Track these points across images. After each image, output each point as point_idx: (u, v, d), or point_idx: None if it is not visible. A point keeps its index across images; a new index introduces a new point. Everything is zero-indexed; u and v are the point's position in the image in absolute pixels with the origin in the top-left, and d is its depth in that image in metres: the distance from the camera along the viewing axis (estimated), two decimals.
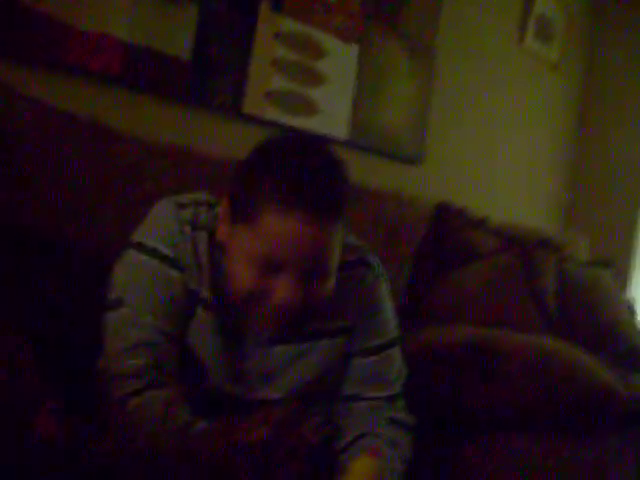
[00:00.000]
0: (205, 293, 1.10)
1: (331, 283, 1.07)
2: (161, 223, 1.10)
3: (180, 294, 1.08)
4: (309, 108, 2.20)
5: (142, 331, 1.04)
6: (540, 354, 1.53)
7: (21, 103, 1.41)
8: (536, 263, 2.22)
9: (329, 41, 2.23)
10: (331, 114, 2.27)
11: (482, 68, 2.89)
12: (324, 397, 1.22)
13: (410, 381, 1.33)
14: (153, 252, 1.08)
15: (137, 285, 1.08)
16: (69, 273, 1.35)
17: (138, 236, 1.11)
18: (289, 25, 2.11)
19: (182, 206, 1.11)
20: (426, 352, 1.59)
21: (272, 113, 2.09)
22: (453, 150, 2.81)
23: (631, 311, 2.48)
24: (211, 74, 1.94)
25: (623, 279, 3.05)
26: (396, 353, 1.25)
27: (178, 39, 1.85)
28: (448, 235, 2.23)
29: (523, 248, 2.21)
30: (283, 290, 1.01)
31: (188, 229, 1.09)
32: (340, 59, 2.28)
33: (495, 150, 3.04)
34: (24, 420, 0.63)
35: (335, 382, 1.22)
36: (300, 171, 1.02)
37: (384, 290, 1.25)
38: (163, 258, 1.08)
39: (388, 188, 2.20)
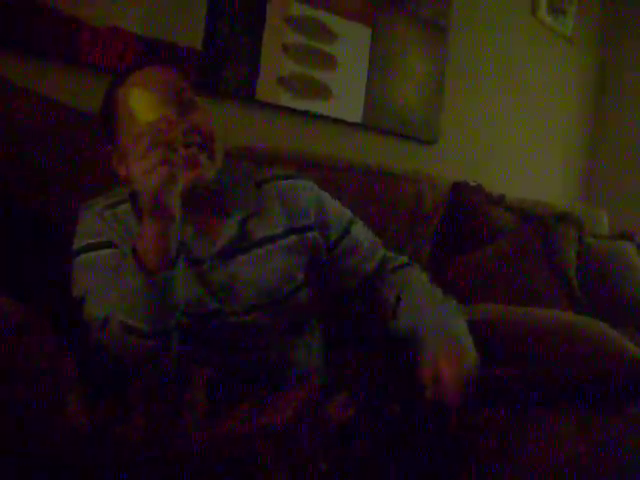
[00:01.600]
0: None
1: (207, 117, 1.19)
2: (85, 224, 1.19)
3: None
4: (322, 92, 2.20)
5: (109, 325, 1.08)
6: (565, 329, 1.52)
7: (33, 99, 1.41)
8: (556, 239, 2.21)
9: (340, 24, 2.22)
10: (345, 97, 2.26)
11: (495, 44, 2.86)
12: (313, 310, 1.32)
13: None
14: (92, 247, 1.16)
15: (91, 276, 1.14)
16: None
17: (76, 245, 1.18)
18: (299, 9, 2.11)
19: (93, 203, 1.21)
20: None
21: (285, 98, 2.09)
22: (469, 128, 2.80)
23: None
24: (223, 62, 1.94)
25: None
26: (359, 231, 1.38)
27: (189, 29, 1.85)
28: (466, 214, 2.22)
29: (542, 224, 2.20)
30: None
31: (107, 213, 1.19)
32: (352, 42, 2.27)
33: (511, 126, 3.01)
34: (55, 406, 0.64)
35: (303, 291, 1.29)
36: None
37: (316, 187, 1.37)
38: (102, 246, 1.16)
39: (404, 169, 2.19)
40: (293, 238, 1.29)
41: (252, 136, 1.99)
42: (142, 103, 1.06)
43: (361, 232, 1.39)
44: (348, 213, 1.39)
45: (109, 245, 1.16)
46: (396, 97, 2.44)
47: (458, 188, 2.28)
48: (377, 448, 0.95)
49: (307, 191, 1.34)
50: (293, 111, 2.12)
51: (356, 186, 1.93)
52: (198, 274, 1.20)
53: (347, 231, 1.36)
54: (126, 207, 1.20)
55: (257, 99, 2.03)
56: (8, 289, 1.00)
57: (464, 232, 2.21)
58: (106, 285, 1.11)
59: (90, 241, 1.17)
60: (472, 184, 2.31)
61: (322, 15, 2.17)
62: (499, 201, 2.32)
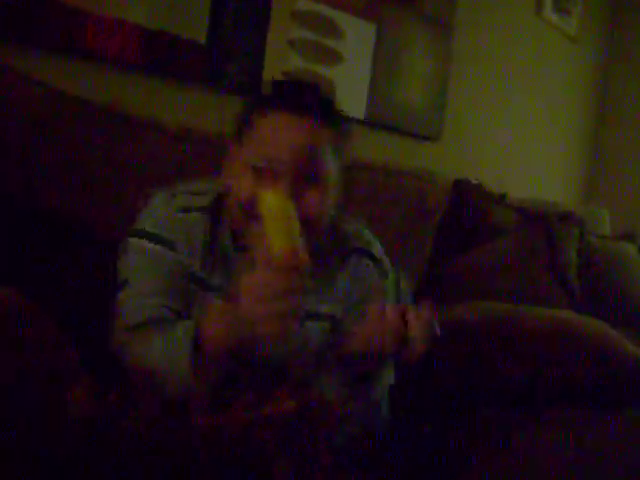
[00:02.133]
0: (198, 268, 1.14)
1: (326, 198, 1.11)
2: (156, 211, 1.16)
3: (180, 272, 1.13)
4: (327, 87, 2.19)
5: (144, 313, 1.08)
6: (564, 327, 1.53)
7: (37, 89, 1.42)
8: (558, 238, 2.21)
9: (346, 20, 2.22)
10: (349, 93, 2.26)
11: (500, 42, 2.86)
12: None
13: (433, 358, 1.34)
14: (151, 236, 1.13)
15: (140, 267, 1.13)
16: (85, 257, 1.36)
17: (137, 225, 1.16)
18: (305, 4, 2.10)
19: (174, 195, 1.17)
20: (452, 331, 1.59)
21: None
22: (472, 126, 2.80)
23: None
24: (228, 56, 1.93)
25: None
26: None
27: (193, 22, 1.85)
28: (468, 211, 2.22)
29: (544, 223, 2.20)
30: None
31: (180, 215, 1.14)
32: (357, 38, 2.27)
33: (514, 125, 3.01)
34: (60, 395, 0.64)
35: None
36: (288, 84, 1.18)
37: (384, 286, 1.27)
38: (160, 241, 1.13)
39: (407, 165, 2.19)
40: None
41: None
42: (273, 147, 1.05)
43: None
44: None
45: (165, 243, 1.13)
46: (400, 94, 2.44)
47: (460, 186, 2.28)
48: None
49: (374, 275, 1.25)
50: None
51: (358, 182, 1.93)
52: None
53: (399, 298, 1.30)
54: (198, 216, 1.16)
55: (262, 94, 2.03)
56: (11, 283, 1.01)
57: (465, 230, 2.21)
58: (150, 286, 1.10)
59: (152, 230, 1.14)
60: (474, 182, 2.30)
61: (327, 10, 2.17)
62: (501, 199, 2.32)
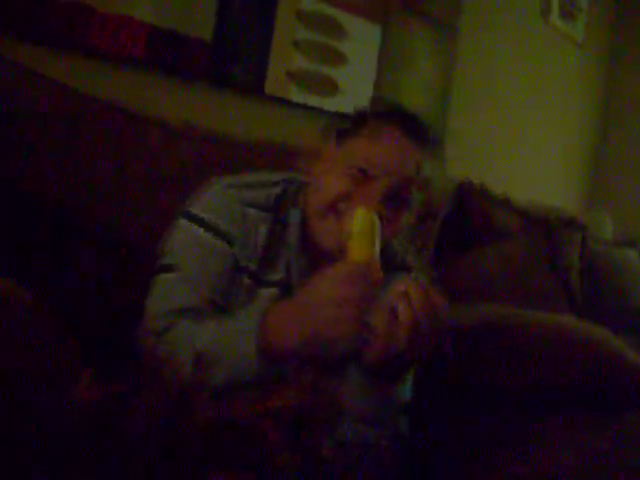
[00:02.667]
0: (255, 264, 1.13)
1: (405, 220, 1.14)
2: (213, 199, 1.15)
3: (231, 268, 1.12)
4: (331, 88, 2.20)
5: (190, 297, 1.07)
6: (563, 332, 1.52)
7: (42, 85, 1.42)
8: (560, 242, 2.21)
9: (351, 21, 2.22)
10: (353, 94, 2.26)
11: (506, 47, 2.86)
12: None
13: (436, 364, 1.34)
14: (206, 225, 1.12)
15: (190, 254, 1.11)
16: (87, 252, 1.36)
17: (192, 208, 1.14)
18: (310, 5, 2.11)
19: (233, 186, 1.16)
20: (448, 331, 1.59)
21: (294, 93, 2.09)
22: (475, 129, 2.79)
23: None
24: (233, 55, 1.94)
25: None
26: None
27: (200, 21, 1.85)
28: (471, 214, 2.22)
29: (546, 227, 2.20)
30: (370, 198, 1.07)
31: (238, 207, 1.14)
32: (362, 39, 2.27)
33: (518, 129, 3.01)
34: (65, 384, 0.65)
35: None
36: (404, 111, 1.18)
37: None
38: (218, 232, 1.12)
39: None
40: None
41: (260, 130, 1.99)
42: (379, 154, 1.09)
43: None
44: None
45: (219, 233, 1.12)
46: (404, 95, 2.44)
47: (463, 188, 2.28)
48: None
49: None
50: (301, 106, 2.12)
51: None
52: None
53: None
54: (257, 213, 1.16)
55: (266, 93, 2.03)
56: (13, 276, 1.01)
57: (468, 232, 2.21)
58: (201, 277, 1.09)
59: (210, 219, 1.13)
60: (478, 186, 2.30)
61: (333, 11, 2.17)
62: (504, 203, 2.32)
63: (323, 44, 2.17)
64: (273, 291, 1.14)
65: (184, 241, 1.13)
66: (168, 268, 1.10)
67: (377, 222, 1.01)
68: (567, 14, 3.11)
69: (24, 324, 0.82)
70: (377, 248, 0.98)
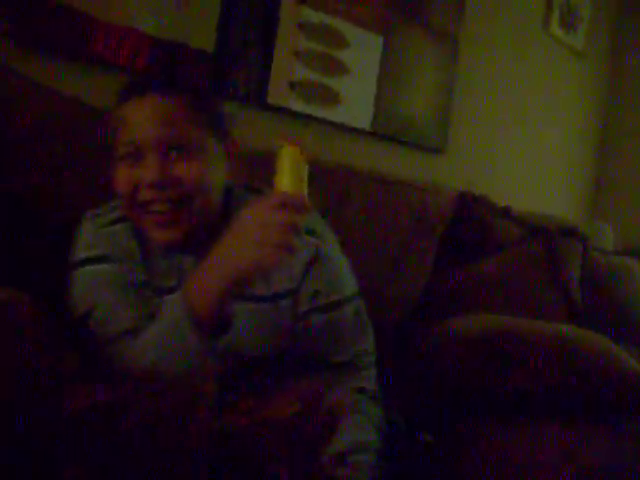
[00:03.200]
0: (145, 276, 1.15)
1: (197, 167, 1.10)
2: (86, 235, 1.17)
3: (132, 282, 1.13)
4: (333, 98, 2.21)
5: (120, 324, 1.08)
6: (565, 341, 1.53)
7: (46, 94, 1.43)
8: (561, 252, 2.21)
9: (353, 31, 2.23)
10: (355, 104, 2.27)
11: (507, 56, 2.87)
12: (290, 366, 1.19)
13: (435, 370, 1.35)
14: (92, 260, 1.14)
15: (99, 290, 1.12)
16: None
17: (74, 256, 1.16)
18: (312, 16, 2.12)
19: (96, 215, 1.19)
20: (451, 340, 1.59)
21: (296, 103, 2.10)
22: (476, 139, 2.80)
23: None
24: (235, 65, 1.95)
25: None
26: (348, 312, 1.21)
27: (202, 31, 1.86)
28: (471, 224, 2.23)
29: (547, 237, 2.20)
30: (147, 170, 1.08)
31: (103, 231, 1.16)
32: (364, 49, 2.28)
33: (519, 139, 3.02)
34: (63, 392, 0.66)
35: (293, 351, 1.19)
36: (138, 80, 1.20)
37: (325, 250, 1.22)
38: (102, 259, 1.13)
39: (411, 177, 2.20)
40: (290, 302, 1.21)
41: (261, 140, 2.00)
42: (133, 128, 1.09)
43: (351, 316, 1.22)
44: (351, 288, 1.25)
45: (106, 259, 1.13)
46: (405, 106, 2.45)
47: (464, 198, 2.29)
48: None
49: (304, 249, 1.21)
50: (303, 116, 2.13)
51: (363, 192, 1.94)
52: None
53: (332, 309, 1.20)
54: (122, 226, 1.17)
55: (267, 103, 2.04)
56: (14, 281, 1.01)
57: (468, 242, 2.21)
58: (112, 302, 1.10)
59: (88, 254, 1.14)
60: (478, 195, 2.31)
61: (334, 22, 2.18)
62: (504, 213, 2.32)
63: (325, 54, 2.18)
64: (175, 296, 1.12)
65: (85, 285, 1.13)
66: (88, 313, 1.10)
67: (302, 158, 1.01)
68: (567, 24, 3.13)
69: (22, 334, 0.82)
70: (305, 183, 0.99)
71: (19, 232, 1.28)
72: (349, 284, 1.24)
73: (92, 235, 1.17)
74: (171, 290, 1.13)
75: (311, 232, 1.21)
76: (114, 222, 1.18)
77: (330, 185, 1.60)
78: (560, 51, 3.16)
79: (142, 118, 1.10)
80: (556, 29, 3.07)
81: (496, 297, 2.01)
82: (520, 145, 3.03)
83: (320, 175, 1.86)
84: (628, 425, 1.45)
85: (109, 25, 1.67)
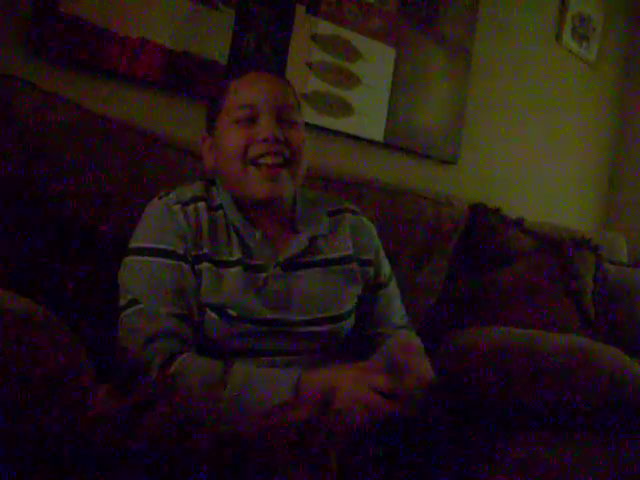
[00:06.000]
0: (209, 250, 1.22)
1: (300, 134, 1.27)
2: (149, 222, 1.23)
3: (185, 278, 1.19)
4: (345, 110, 2.21)
5: (159, 323, 1.13)
6: (578, 353, 1.52)
7: (62, 106, 1.44)
8: (574, 264, 2.20)
9: (365, 43, 2.24)
10: (367, 116, 2.28)
11: (519, 68, 2.87)
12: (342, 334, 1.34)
13: (449, 383, 1.35)
14: (146, 251, 1.20)
15: (145, 284, 1.17)
16: (100, 268, 1.39)
17: (134, 242, 1.22)
18: (325, 27, 2.13)
19: (164, 198, 1.25)
20: (463, 353, 1.59)
21: (309, 115, 2.11)
22: (488, 151, 2.80)
23: None
24: None
25: None
26: (395, 287, 1.48)
27: (216, 43, 1.88)
28: (484, 235, 2.23)
29: (560, 248, 2.20)
30: (264, 127, 1.22)
31: (176, 207, 1.23)
32: (376, 61, 2.29)
33: (531, 150, 3.02)
34: (81, 400, 0.67)
35: (355, 315, 1.37)
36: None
37: (376, 231, 1.46)
38: (157, 252, 1.19)
39: (424, 188, 2.20)
40: (356, 266, 1.36)
41: None
42: (252, 94, 1.23)
43: (396, 290, 1.49)
44: (390, 267, 1.49)
45: (174, 256, 1.19)
46: (418, 117, 2.45)
47: (476, 209, 2.29)
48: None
49: (373, 231, 1.45)
50: (316, 127, 2.14)
51: (376, 203, 1.95)
52: (256, 281, 1.24)
53: (391, 280, 1.46)
54: (193, 206, 1.25)
55: None
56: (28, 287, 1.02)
57: (481, 253, 2.21)
58: (156, 300, 1.15)
59: (156, 245, 1.20)
60: (491, 206, 2.31)
61: (347, 34, 2.19)
62: (517, 224, 2.32)
63: (338, 66, 2.19)
64: (235, 270, 1.23)
65: (134, 275, 1.19)
66: (132, 303, 1.16)
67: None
68: (580, 36, 3.13)
69: (42, 343, 0.83)
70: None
71: (38, 235, 1.30)
72: (387, 262, 1.49)
73: (158, 222, 1.22)
74: (234, 263, 1.23)
75: (357, 212, 1.45)
76: (191, 201, 1.25)
77: (343, 196, 1.61)
78: (573, 63, 3.15)
79: (260, 85, 1.25)
80: (569, 41, 3.07)
81: (509, 308, 2.01)
82: (532, 156, 3.03)
83: (333, 186, 1.87)
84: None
85: (123, 37, 1.69)
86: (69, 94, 1.50)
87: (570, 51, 3.10)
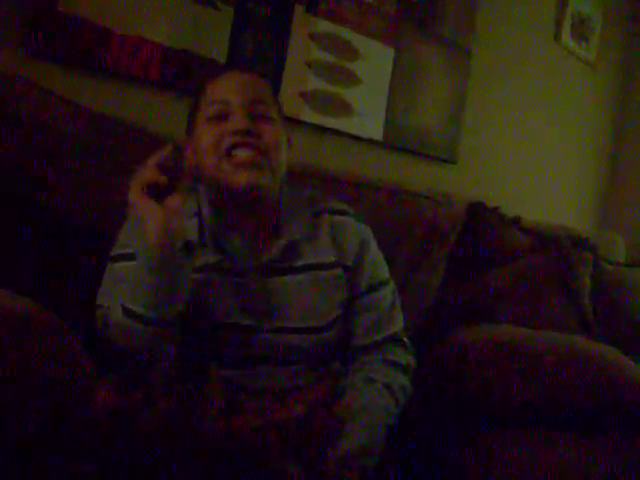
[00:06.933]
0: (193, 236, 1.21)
1: (275, 129, 1.24)
2: (124, 231, 1.24)
3: None
4: (344, 109, 2.22)
5: (116, 311, 1.11)
6: (575, 353, 1.52)
7: (60, 104, 1.45)
8: (572, 263, 2.21)
9: (364, 42, 2.24)
10: (366, 115, 2.28)
11: (517, 68, 2.88)
12: (329, 345, 1.29)
13: (443, 380, 1.35)
14: (124, 257, 1.20)
15: (110, 287, 1.19)
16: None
17: (112, 252, 1.23)
18: (324, 27, 2.13)
19: None
20: (460, 351, 1.59)
21: (308, 114, 2.11)
22: (487, 150, 2.81)
23: None
24: None
25: None
26: (387, 292, 1.35)
27: (214, 42, 1.88)
28: (482, 234, 2.23)
29: (558, 248, 2.20)
30: (235, 120, 1.20)
31: None
32: (375, 60, 2.29)
33: (529, 150, 3.02)
34: (85, 395, 0.67)
35: (339, 325, 1.29)
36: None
37: (370, 233, 1.37)
38: (124, 257, 1.19)
39: (422, 187, 2.21)
40: (340, 272, 1.30)
41: None
42: (224, 91, 1.23)
43: (387, 298, 1.35)
44: (385, 273, 1.37)
45: (132, 257, 1.16)
46: (417, 116, 2.46)
47: (474, 208, 2.29)
48: None
49: (355, 232, 1.34)
50: (315, 126, 2.14)
51: (374, 202, 1.95)
52: (235, 285, 1.22)
53: (374, 289, 1.33)
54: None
55: None
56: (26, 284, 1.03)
57: (479, 252, 2.21)
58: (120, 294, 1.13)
59: (123, 251, 1.20)
60: (489, 206, 2.31)
61: (346, 33, 2.20)
62: (515, 223, 2.32)
63: (337, 65, 2.19)
64: (213, 275, 1.21)
65: (105, 282, 1.21)
66: (99, 307, 1.18)
67: None
68: (579, 35, 3.13)
69: (51, 342, 0.84)
70: None
71: (43, 239, 1.30)
72: (385, 268, 1.38)
73: (130, 229, 1.22)
74: (210, 268, 1.21)
75: (356, 217, 1.37)
76: None
77: (341, 195, 1.61)
78: (572, 63, 3.16)
79: (232, 83, 1.25)
80: (568, 40, 3.07)
81: (507, 307, 2.01)
82: (531, 155, 3.03)
83: (331, 185, 1.88)
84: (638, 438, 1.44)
85: (122, 35, 1.69)
86: (67, 92, 1.50)
87: (569, 51, 3.10)
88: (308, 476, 0.68)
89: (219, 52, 1.88)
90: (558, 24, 3.03)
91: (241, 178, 1.18)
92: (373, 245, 1.36)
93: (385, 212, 1.96)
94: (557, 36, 3.04)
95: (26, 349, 0.82)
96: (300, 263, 1.26)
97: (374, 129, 2.32)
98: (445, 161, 2.60)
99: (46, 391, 0.74)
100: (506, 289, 2.08)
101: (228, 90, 1.23)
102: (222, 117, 1.22)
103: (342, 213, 1.35)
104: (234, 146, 1.19)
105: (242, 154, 1.19)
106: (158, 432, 0.64)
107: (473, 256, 2.19)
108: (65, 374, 0.79)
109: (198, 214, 1.26)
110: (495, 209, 2.30)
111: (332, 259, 1.29)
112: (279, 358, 1.22)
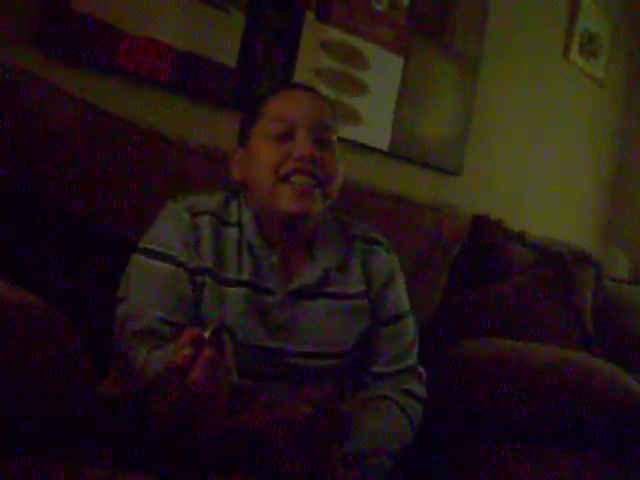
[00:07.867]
0: (212, 265, 1.19)
1: (335, 158, 1.24)
2: (161, 225, 1.21)
3: (180, 284, 1.17)
4: (352, 117, 2.22)
5: (142, 321, 1.13)
6: (575, 368, 1.52)
7: (71, 104, 1.45)
8: (575, 279, 2.20)
9: (374, 51, 2.25)
10: (374, 124, 2.29)
11: (526, 82, 2.88)
12: (347, 367, 1.28)
13: (444, 394, 1.35)
14: (151, 253, 1.19)
15: (140, 284, 1.17)
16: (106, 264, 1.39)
17: (142, 242, 1.21)
18: (334, 35, 2.14)
19: (190, 200, 1.24)
20: (462, 366, 1.59)
21: None
22: (493, 163, 2.81)
23: None
24: (256, 81, 1.97)
25: None
26: (409, 325, 1.35)
27: (225, 46, 1.89)
28: (486, 247, 2.23)
29: (560, 263, 2.20)
30: (300, 145, 1.18)
31: (186, 216, 1.20)
32: (384, 70, 2.30)
33: (535, 164, 3.02)
34: (89, 386, 0.68)
35: (357, 352, 1.29)
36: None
37: (398, 266, 1.37)
38: (160, 256, 1.18)
39: (427, 198, 2.21)
40: (366, 303, 1.30)
41: None
42: (291, 109, 1.20)
43: (408, 331, 1.35)
44: (406, 304, 1.37)
45: (173, 261, 1.17)
46: (423, 127, 2.46)
47: (478, 221, 2.29)
48: None
49: (385, 263, 1.34)
50: None
51: (378, 211, 1.95)
52: (262, 306, 1.21)
53: (397, 320, 1.33)
54: (207, 219, 1.22)
55: None
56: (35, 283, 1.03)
57: (481, 265, 2.21)
58: (147, 300, 1.15)
59: (157, 248, 1.19)
60: (493, 219, 2.31)
61: (356, 42, 2.20)
62: (518, 237, 2.32)
63: (345, 74, 2.20)
64: (241, 291, 1.19)
65: (132, 274, 1.19)
66: (120, 300, 1.17)
67: None
68: (588, 52, 3.14)
69: (40, 332, 0.84)
70: None
71: (43, 235, 1.31)
72: (407, 299, 1.38)
73: (170, 227, 1.20)
74: (240, 283, 1.19)
75: (387, 247, 1.36)
76: (199, 214, 1.22)
77: (345, 203, 1.61)
78: (580, 79, 3.16)
79: (300, 101, 1.23)
80: (576, 57, 3.08)
81: (508, 321, 2.01)
82: (536, 170, 3.03)
83: (340, 191, 1.88)
84: (637, 454, 1.44)
85: (133, 36, 1.70)
86: (77, 90, 1.50)
87: (577, 67, 3.11)
88: (314, 473, 0.68)
89: (229, 56, 1.89)
90: (567, 40, 3.04)
91: (295, 204, 1.18)
92: (400, 277, 1.37)
93: (389, 221, 1.96)
94: (566, 52, 3.04)
95: (23, 338, 0.83)
96: (330, 290, 1.26)
97: (381, 138, 2.33)
98: (450, 173, 2.61)
99: (44, 385, 0.75)
100: (508, 303, 2.07)
101: (292, 109, 1.21)
102: (284, 136, 1.20)
103: (375, 243, 1.35)
104: (295, 172, 1.18)
105: (301, 182, 1.18)
106: (163, 424, 0.64)
107: (476, 268, 2.19)
108: (63, 368, 0.79)
109: (238, 224, 1.24)
110: (499, 222, 2.30)
111: (361, 289, 1.29)
112: (294, 378, 1.22)
